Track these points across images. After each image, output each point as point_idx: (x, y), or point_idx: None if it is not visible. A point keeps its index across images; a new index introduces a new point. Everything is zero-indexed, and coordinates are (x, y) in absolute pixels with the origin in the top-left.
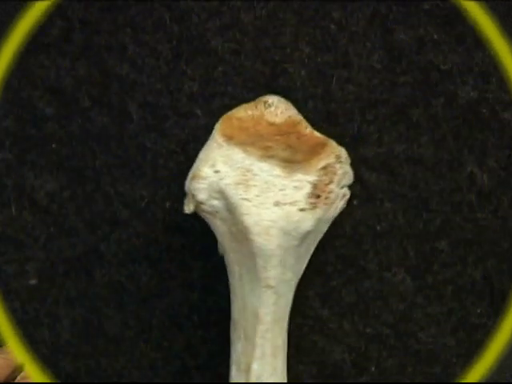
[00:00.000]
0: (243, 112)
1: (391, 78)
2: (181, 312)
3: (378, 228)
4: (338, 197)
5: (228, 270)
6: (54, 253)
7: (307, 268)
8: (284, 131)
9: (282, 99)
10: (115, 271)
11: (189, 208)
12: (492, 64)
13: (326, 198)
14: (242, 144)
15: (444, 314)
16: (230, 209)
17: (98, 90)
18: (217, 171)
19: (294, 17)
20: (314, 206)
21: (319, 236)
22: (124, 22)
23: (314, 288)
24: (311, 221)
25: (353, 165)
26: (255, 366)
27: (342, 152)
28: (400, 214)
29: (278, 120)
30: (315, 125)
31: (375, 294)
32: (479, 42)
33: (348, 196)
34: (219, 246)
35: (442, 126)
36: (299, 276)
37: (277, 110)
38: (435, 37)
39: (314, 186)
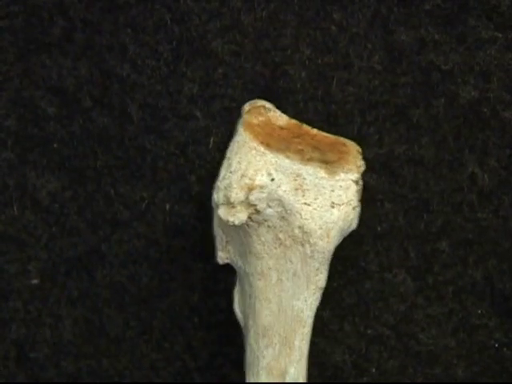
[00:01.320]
0: (255, 119)
1: (392, 79)
2: (181, 313)
3: (379, 229)
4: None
5: (257, 276)
6: (55, 252)
7: None
8: (296, 133)
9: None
10: (116, 272)
11: (240, 219)
12: (493, 64)
13: (361, 194)
14: (281, 150)
15: (445, 315)
16: (286, 215)
17: (99, 90)
18: (272, 179)
19: (294, 18)
20: (360, 204)
21: None
22: (125, 22)
23: None
24: (357, 218)
25: None
26: (292, 370)
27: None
28: (401, 214)
29: (282, 123)
30: (315, 126)
31: (376, 295)
32: (480, 42)
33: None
34: (220, 255)
35: (443, 127)
36: None
37: (275, 113)
38: (436, 37)
39: (356, 183)
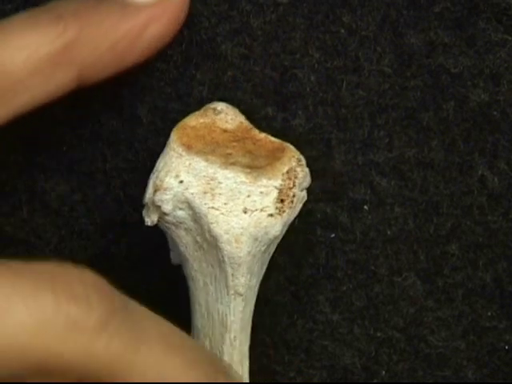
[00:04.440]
0: (195, 120)
1: (401, 82)
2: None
3: (389, 233)
4: (299, 200)
5: (190, 279)
6: (64, 255)
7: (317, 273)
8: (239, 137)
9: (230, 106)
10: (126, 274)
11: (152, 220)
12: (503, 66)
13: (291, 202)
14: (202, 152)
15: (454, 318)
16: (197, 218)
17: (108, 93)
18: (181, 181)
19: (303, 21)
20: (281, 211)
21: (279, 240)
22: None
23: (324, 293)
24: (279, 226)
25: (363, 170)
26: None
27: (301, 155)
28: (410, 218)
29: (230, 126)
30: (325, 130)
31: (385, 298)
32: (490, 45)
33: (306, 198)
34: (173, 256)
35: (453, 130)
36: (259, 282)
37: (227, 116)
38: (446, 40)
39: (280, 190)
